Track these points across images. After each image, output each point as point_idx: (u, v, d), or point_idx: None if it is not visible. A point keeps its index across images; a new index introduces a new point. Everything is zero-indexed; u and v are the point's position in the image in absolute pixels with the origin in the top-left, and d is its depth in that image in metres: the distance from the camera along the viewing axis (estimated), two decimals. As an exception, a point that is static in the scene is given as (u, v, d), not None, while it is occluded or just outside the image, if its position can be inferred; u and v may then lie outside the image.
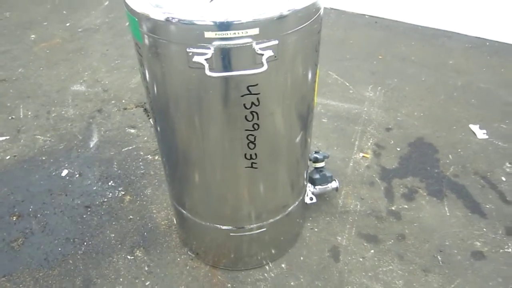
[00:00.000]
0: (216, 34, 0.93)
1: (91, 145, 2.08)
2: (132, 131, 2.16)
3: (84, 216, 1.77)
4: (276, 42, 0.98)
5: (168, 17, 0.95)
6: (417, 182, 1.90)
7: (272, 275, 1.56)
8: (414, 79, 2.51)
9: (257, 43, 0.97)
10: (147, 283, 1.54)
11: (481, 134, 2.15)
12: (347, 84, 2.47)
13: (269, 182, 1.32)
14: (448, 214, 1.78)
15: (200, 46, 0.95)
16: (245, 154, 1.18)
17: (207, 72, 0.94)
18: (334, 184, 1.75)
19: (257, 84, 1.04)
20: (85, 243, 1.67)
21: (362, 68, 2.59)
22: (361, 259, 1.61)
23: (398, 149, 2.07)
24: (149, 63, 1.07)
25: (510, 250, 1.64)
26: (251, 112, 1.09)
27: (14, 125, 2.20)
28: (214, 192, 1.33)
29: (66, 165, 1.98)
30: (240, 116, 1.09)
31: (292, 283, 1.54)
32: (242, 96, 1.05)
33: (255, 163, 1.21)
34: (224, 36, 0.94)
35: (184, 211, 1.46)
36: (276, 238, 1.55)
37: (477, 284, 1.54)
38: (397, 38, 2.87)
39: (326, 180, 1.73)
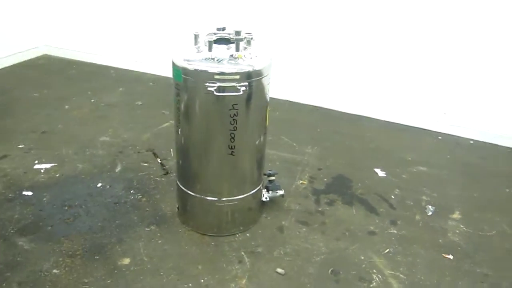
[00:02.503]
0: (219, 77, 2.01)
1: (117, 170, 3.01)
2: (145, 164, 3.11)
3: (115, 208, 2.64)
4: (246, 83, 2.06)
5: (195, 68, 2.04)
6: (336, 197, 2.90)
7: (240, 239, 2.45)
8: (340, 143, 3.64)
9: (237, 83, 2.04)
10: (159, 241, 2.39)
11: (381, 173, 3.22)
12: (294, 144, 3.56)
13: (240, 166, 2.30)
14: (354, 213, 2.76)
15: (211, 82, 2.02)
16: (229, 145, 2.19)
17: (215, 93, 2.00)
18: (281, 192, 2.71)
19: (237, 104, 2.09)
20: (116, 221, 2.52)
21: (305, 136, 3.71)
22: (297, 233, 2.53)
23: (325, 180, 3.09)
24: (183, 92, 2.12)
25: (391, 231, 2.61)
26: (233, 119, 2.12)
27: (60, 158, 3.11)
28: (207, 171, 2.30)
29: (100, 180, 2.88)
30: (227, 121, 2.12)
31: (252, 243, 2.42)
32: (229, 109, 2.09)
33: (234, 152, 2.21)
34: (222, 78, 2.02)
35: (186, 189, 2.39)
36: (243, 215, 2.46)
37: (369, 246, 2.47)
38: (331, 120, 4.06)
39: (276, 188, 2.71)
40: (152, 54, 4.76)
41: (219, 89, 2.03)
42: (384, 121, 4.10)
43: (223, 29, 2.25)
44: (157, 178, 2.95)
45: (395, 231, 2.61)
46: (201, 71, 2.03)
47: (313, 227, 2.60)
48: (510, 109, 3.69)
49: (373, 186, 3.05)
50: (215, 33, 2.22)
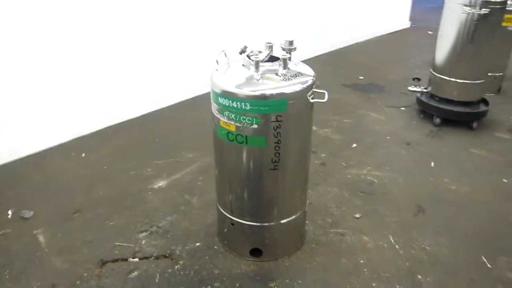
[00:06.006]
0: (315, 86, 2.04)
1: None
2: (135, 273, 2.26)
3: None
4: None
5: (302, 88, 1.95)
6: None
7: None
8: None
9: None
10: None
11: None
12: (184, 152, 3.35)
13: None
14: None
15: (310, 94, 2.01)
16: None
17: (322, 100, 2.04)
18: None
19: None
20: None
21: (193, 142, 3.50)
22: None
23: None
24: (287, 119, 1.94)
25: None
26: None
27: None
28: (300, 186, 2.27)
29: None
30: (311, 126, 2.19)
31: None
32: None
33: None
34: (316, 85, 2.05)
35: (269, 222, 2.24)
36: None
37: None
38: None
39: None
40: None
41: (314, 95, 2.07)
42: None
43: (246, 47, 2.10)
44: (176, 266, 2.32)
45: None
46: (306, 87, 1.98)
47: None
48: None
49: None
50: (248, 55, 2.06)
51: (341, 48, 6.51)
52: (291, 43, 2.09)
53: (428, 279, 2.24)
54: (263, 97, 1.90)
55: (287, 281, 2.21)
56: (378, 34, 7.45)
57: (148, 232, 2.55)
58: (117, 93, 3.86)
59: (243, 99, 1.91)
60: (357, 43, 6.93)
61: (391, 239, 2.52)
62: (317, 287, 2.18)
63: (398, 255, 2.40)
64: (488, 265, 2.34)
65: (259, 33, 4.83)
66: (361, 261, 2.35)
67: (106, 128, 3.81)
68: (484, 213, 2.76)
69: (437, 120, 3.95)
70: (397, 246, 2.46)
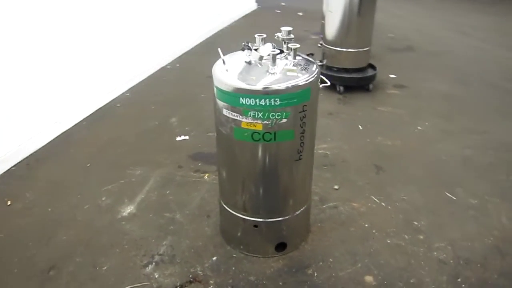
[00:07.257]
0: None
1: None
2: (171, 309, 2.05)
3: None
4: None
5: (316, 76, 1.99)
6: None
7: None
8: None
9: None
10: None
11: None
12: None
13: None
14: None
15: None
16: (312, 132, 2.33)
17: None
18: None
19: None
20: None
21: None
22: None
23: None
24: (310, 106, 1.98)
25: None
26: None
27: None
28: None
29: None
30: (315, 109, 2.26)
31: (311, 201, 2.76)
32: (316, 98, 2.23)
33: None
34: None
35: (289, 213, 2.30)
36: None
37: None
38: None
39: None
40: None
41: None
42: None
43: (249, 43, 2.04)
44: (210, 287, 2.17)
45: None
46: (317, 73, 2.03)
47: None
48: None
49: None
50: (253, 49, 2.02)
51: (209, 38, 6.53)
52: (289, 32, 2.09)
53: (422, 222, 2.57)
54: (292, 90, 1.88)
55: (321, 263, 2.28)
56: (236, 19, 7.70)
57: (153, 263, 2.29)
58: (14, 121, 3.20)
59: (272, 95, 1.86)
60: (221, 30, 7.06)
61: (375, 199, 2.78)
62: (348, 259, 2.31)
63: (388, 210, 2.68)
64: (453, 198, 2.79)
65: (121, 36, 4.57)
66: (366, 225, 2.55)
67: (17, 166, 3.16)
68: (423, 158, 3.25)
69: (341, 88, 4.38)
70: (383, 204, 2.74)
